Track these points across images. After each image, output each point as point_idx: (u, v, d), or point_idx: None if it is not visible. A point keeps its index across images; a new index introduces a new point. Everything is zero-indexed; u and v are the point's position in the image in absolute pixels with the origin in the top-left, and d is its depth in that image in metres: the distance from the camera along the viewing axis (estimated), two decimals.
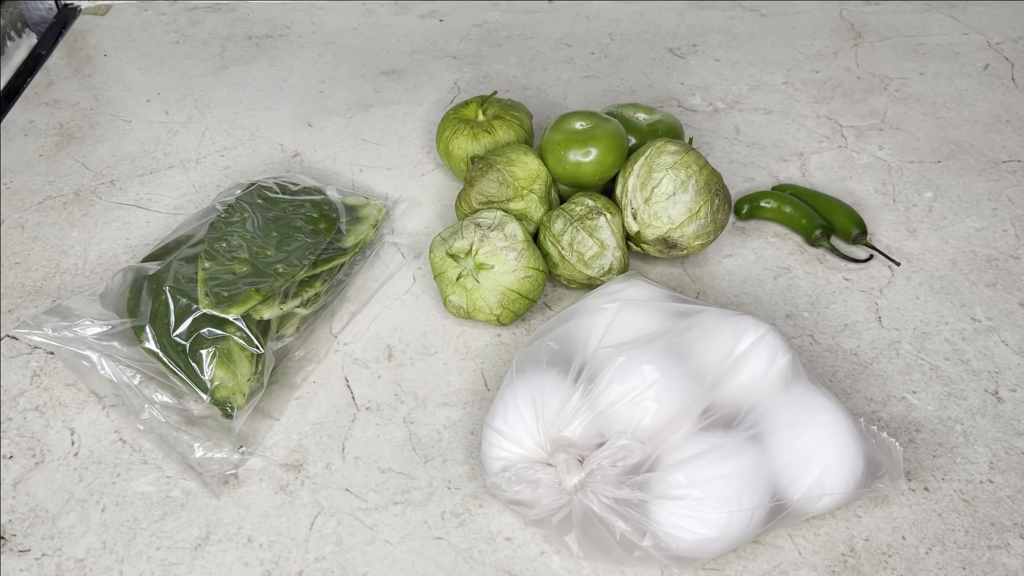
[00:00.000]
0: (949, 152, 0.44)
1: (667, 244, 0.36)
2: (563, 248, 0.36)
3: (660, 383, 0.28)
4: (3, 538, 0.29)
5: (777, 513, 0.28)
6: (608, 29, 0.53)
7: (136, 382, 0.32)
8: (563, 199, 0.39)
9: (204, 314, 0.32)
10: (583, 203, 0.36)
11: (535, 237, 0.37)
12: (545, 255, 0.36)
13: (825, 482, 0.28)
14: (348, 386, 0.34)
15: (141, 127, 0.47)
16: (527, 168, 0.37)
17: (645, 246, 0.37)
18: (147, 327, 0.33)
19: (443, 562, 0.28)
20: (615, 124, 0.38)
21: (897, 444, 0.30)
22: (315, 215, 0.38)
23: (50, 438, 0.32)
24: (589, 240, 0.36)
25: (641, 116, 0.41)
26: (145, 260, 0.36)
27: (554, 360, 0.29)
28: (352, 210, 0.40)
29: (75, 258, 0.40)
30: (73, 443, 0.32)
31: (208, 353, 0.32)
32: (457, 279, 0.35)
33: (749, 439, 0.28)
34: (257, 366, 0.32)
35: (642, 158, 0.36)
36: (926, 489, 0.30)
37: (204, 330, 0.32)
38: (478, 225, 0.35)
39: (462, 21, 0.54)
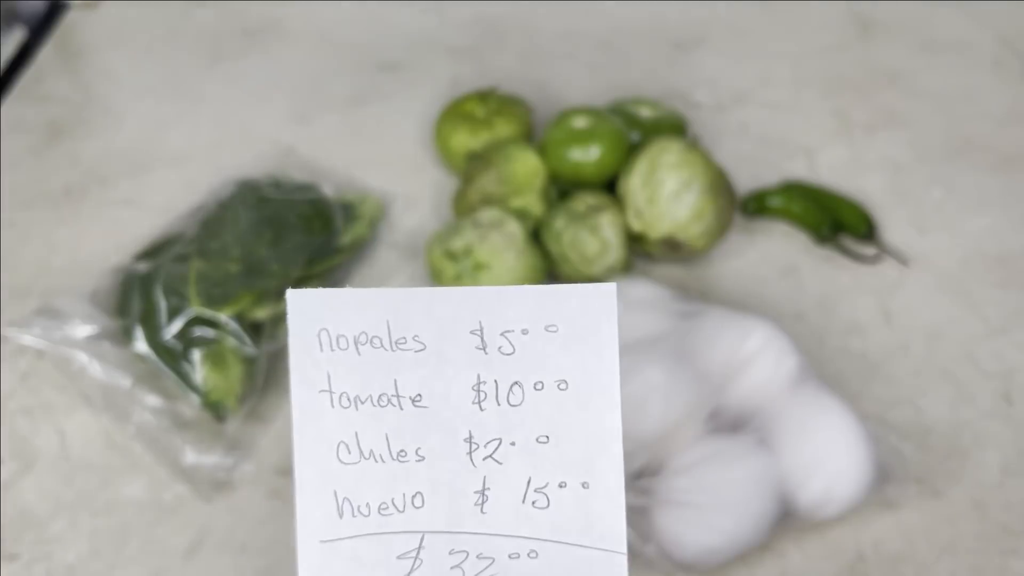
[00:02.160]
0: (960, 148, 0.43)
1: (671, 245, 0.35)
2: (564, 247, 0.35)
3: (664, 385, 0.27)
4: None
5: (784, 519, 0.27)
6: (611, 22, 0.52)
7: (127, 384, 0.32)
8: (564, 196, 0.38)
9: (196, 314, 0.31)
10: (584, 201, 0.36)
11: (535, 235, 0.37)
12: (545, 254, 0.36)
13: (833, 487, 0.27)
14: None
15: (132, 123, 0.46)
16: (526, 165, 0.37)
17: (648, 246, 0.36)
18: (137, 327, 0.32)
19: None
20: (617, 122, 0.37)
21: (907, 448, 0.29)
22: (310, 213, 0.37)
23: (39, 441, 0.32)
24: (591, 238, 0.35)
25: (644, 111, 0.40)
26: (136, 259, 0.35)
27: None
28: (348, 208, 0.39)
29: (65, 257, 0.39)
30: (63, 447, 0.32)
31: (200, 355, 0.31)
32: (455, 279, 0.34)
33: (756, 443, 0.28)
34: (250, 368, 0.32)
35: (645, 157, 0.35)
36: (936, 494, 0.30)
37: (196, 331, 0.31)
38: (476, 223, 0.34)
39: (461, 14, 0.53)
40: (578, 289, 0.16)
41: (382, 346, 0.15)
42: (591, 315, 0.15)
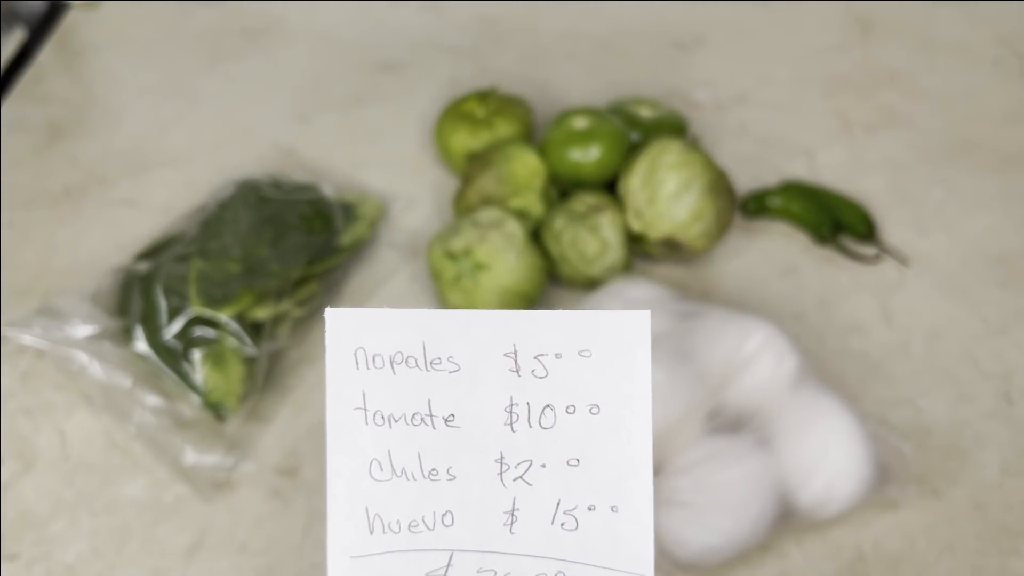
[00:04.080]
0: (960, 148, 0.43)
1: (671, 245, 0.35)
2: (564, 246, 0.35)
3: (664, 385, 0.27)
4: None
5: (784, 519, 0.27)
6: (611, 22, 0.52)
7: (127, 384, 0.32)
8: (564, 196, 0.38)
9: (196, 314, 0.31)
10: (584, 201, 0.36)
11: (535, 235, 0.37)
12: (545, 254, 0.36)
13: (833, 487, 0.27)
14: None
15: (132, 123, 0.46)
16: (526, 165, 0.37)
17: (648, 247, 0.36)
18: (138, 328, 0.32)
19: None
20: (617, 122, 0.37)
21: (907, 448, 0.29)
22: (310, 213, 0.37)
23: (40, 441, 0.32)
24: (591, 238, 0.35)
25: (644, 111, 0.40)
26: (136, 259, 0.35)
27: None
28: (348, 208, 0.39)
29: (65, 257, 0.39)
30: (63, 447, 0.32)
31: (200, 355, 0.31)
32: (455, 279, 0.34)
33: (756, 443, 0.28)
34: (250, 368, 0.32)
35: (645, 157, 0.35)
36: (936, 494, 0.30)
37: (196, 331, 0.31)
38: (476, 224, 0.34)
39: (461, 14, 0.53)
40: (612, 315, 0.16)
41: (417, 366, 0.16)
42: (625, 341, 0.15)
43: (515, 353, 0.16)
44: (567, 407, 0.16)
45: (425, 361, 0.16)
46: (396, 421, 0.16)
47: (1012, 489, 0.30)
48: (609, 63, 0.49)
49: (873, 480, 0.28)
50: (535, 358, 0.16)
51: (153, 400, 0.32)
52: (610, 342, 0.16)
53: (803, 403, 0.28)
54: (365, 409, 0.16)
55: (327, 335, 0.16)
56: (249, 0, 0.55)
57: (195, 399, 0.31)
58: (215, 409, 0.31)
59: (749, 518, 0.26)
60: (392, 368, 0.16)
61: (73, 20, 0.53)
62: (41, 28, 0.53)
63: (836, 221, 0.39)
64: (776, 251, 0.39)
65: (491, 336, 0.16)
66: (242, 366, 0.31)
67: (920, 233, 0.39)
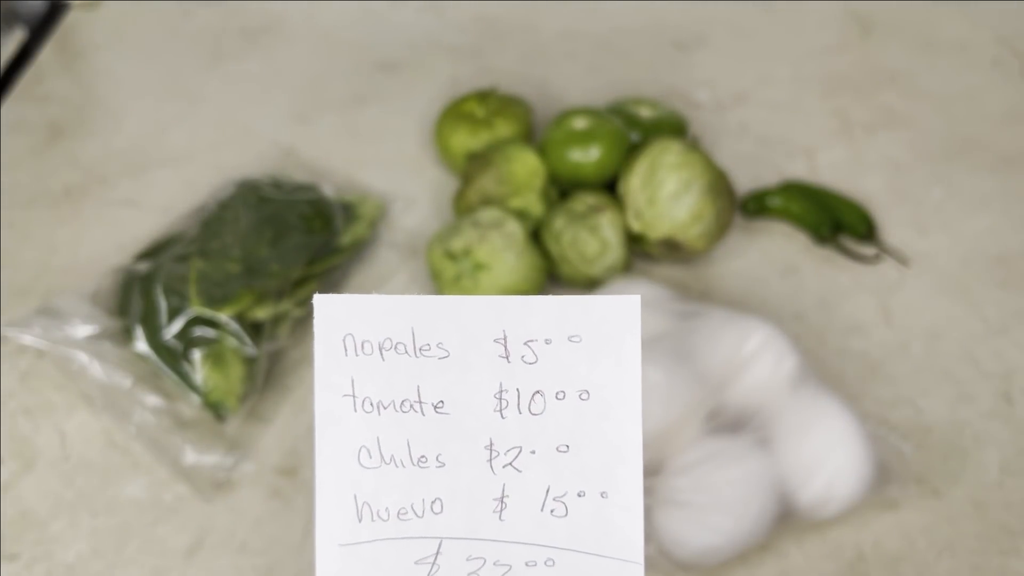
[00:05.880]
0: (959, 148, 0.43)
1: (671, 246, 0.35)
2: (564, 247, 0.35)
3: (664, 385, 0.27)
4: None
5: (784, 519, 0.27)
6: (611, 22, 0.52)
7: (127, 384, 0.32)
8: (564, 196, 0.38)
9: (196, 314, 0.31)
10: (584, 201, 0.36)
11: (534, 235, 0.37)
12: (545, 254, 0.36)
13: (833, 487, 0.27)
14: None
15: (132, 123, 0.46)
16: (526, 165, 0.37)
17: (648, 247, 0.36)
18: (138, 327, 0.32)
19: None
20: (617, 122, 0.37)
21: (907, 448, 0.29)
22: (310, 213, 0.37)
23: (39, 441, 0.32)
24: (590, 238, 0.35)
25: (644, 111, 0.40)
26: (136, 259, 0.35)
27: None
28: (348, 208, 0.39)
29: (65, 257, 0.39)
30: (63, 447, 0.32)
31: (200, 355, 0.31)
32: (455, 279, 0.34)
33: (756, 443, 0.28)
34: (250, 368, 0.32)
35: (645, 157, 0.35)
36: (936, 494, 0.30)
37: (196, 331, 0.31)
38: (476, 223, 0.34)
39: (461, 14, 0.53)
40: (602, 300, 0.15)
41: (406, 352, 0.16)
42: (614, 326, 0.15)
43: (505, 339, 0.15)
44: (557, 393, 0.16)
45: (414, 347, 0.15)
46: (385, 408, 0.16)
47: (1012, 489, 0.30)
48: (609, 63, 0.49)
49: (873, 480, 0.28)
50: (525, 344, 0.15)
51: (153, 400, 0.32)
52: (600, 327, 0.15)
53: (803, 403, 0.28)
54: (354, 396, 0.16)
55: (315, 322, 0.16)
56: (249, 0, 0.55)
57: (195, 399, 0.31)
58: (215, 409, 0.31)
59: (749, 518, 0.26)
60: (381, 355, 0.15)
61: (73, 20, 0.53)
62: (41, 28, 0.53)
63: (836, 221, 0.39)
64: (776, 251, 0.39)
65: (480, 322, 0.15)
66: (242, 366, 0.31)
67: (920, 233, 0.39)
